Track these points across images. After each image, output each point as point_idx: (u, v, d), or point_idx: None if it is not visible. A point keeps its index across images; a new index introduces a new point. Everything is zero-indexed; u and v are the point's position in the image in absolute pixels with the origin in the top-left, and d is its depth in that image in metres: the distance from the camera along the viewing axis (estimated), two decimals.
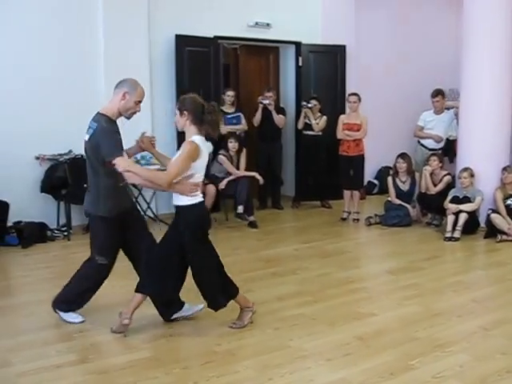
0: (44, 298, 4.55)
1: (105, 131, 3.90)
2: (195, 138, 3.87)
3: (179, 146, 7.47)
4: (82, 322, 4.20)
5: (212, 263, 4.00)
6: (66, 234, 6.82)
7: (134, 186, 7.22)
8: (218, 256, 4.06)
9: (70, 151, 6.91)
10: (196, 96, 4.00)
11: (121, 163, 3.81)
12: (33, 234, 6.59)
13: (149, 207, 7.53)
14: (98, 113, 4.02)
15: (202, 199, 4.00)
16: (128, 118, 4.09)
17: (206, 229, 4.02)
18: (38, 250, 6.41)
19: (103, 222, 4.05)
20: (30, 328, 4.21)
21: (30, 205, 6.76)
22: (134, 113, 4.08)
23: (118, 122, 4.07)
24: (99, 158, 3.91)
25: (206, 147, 3.95)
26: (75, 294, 4.22)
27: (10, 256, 6.20)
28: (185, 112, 3.90)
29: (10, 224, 6.54)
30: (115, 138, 3.92)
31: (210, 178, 7.45)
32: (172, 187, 3.84)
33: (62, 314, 4.27)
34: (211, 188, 7.34)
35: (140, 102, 4.03)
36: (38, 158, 6.88)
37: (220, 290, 4.01)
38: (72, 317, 4.25)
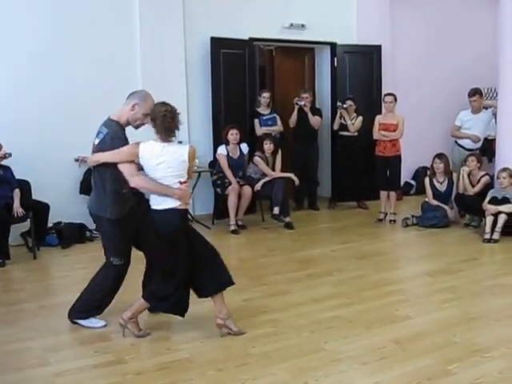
0: None
1: (116, 137, 4.00)
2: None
3: (215, 148, 7.65)
4: (105, 325, 4.22)
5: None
6: None
7: None
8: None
9: None
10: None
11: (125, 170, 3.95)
12: (72, 235, 6.74)
13: None
14: (109, 118, 4.11)
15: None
16: (135, 128, 4.17)
17: None
18: (77, 250, 6.55)
19: (112, 224, 4.09)
20: (68, 328, 4.27)
21: (70, 206, 6.89)
22: (142, 124, 4.13)
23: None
24: (107, 163, 3.98)
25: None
26: (94, 301, 4.24)
27: (50, 256, 6.35)
28: None
29: (50, 225, 6.68)
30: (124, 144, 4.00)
31: (245, 179, 7.51)
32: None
33: (82, 322, 4.25)
34: (247, 189, 7.38)
35: (148, 114, 3.99)
36: (77, 160, 6.98)
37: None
38: (93, 322, 4.25)
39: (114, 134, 4.01)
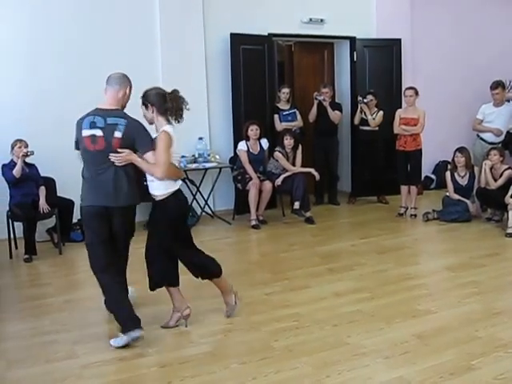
0: None
1: (141, 126, 3.98)
2: (166, 127, 3.97)
3: (235, 144, 7.69)
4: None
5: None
6: None
7: (193, 182, 7.40)
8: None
9: None
10: (158, 87, 4.13)
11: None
12: None
13: (206, 204, 7.66)
14: (116, 109, 4.04)
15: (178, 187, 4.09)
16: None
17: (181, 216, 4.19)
18: None
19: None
20: (95, 321, 4.38)
21: None
22: None
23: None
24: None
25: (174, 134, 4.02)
26: None
27: (75, 251, 6.43)
28: (149, 105, 4.02)
29: (75, 221, 6.76)
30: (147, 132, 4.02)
31: (266, 174, 7.54)
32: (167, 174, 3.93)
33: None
34: (267, 184, 7.42)
35: None
36: None
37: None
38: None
39: (139, 124, 3.97)
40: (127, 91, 4.14)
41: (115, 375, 3.54)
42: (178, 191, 4.08)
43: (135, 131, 3.94)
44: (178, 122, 4.04)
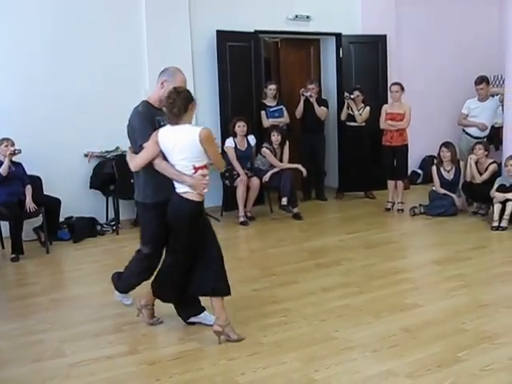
0: (96, 291, 4.73)
1: (138, 115, 3.94)
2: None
3: (223, 140, 7.68)
4: (131, 304, 4.35)
5: None
6: (114, 228, 7.02)
7: None
8: None
9: (117, 148, 7.10)
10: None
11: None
12: (83, 229, 6.82)
13: None
14: (142, 100, 4.09)
15: None
16: None
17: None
18: (89, 244, 6.62)
19: (145, 209, 4.03)
20: (82, 320, 4.36)
21: (80, 201, 6.99)
22: None
23: None
24: (136, 143, 3.93)
25: None
26: (125, 282, 4.34)
27: (62, 250, 6.42)
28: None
29: (61, 219, 6.76)
30: (146, 124, 3.90)
31: (253, 170, 7.56)
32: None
33: (116, 292, 4.41)
34: (255, 181, 7.43)
35: None
36: (86, 156, 7.12)
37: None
38: (126, 299, 4.42)
39: (139, 113, 3.97)
40: (161, 83, 4.07)
41: (104, 373, 3.52)
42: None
43: (130, 121, 3.99)
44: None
